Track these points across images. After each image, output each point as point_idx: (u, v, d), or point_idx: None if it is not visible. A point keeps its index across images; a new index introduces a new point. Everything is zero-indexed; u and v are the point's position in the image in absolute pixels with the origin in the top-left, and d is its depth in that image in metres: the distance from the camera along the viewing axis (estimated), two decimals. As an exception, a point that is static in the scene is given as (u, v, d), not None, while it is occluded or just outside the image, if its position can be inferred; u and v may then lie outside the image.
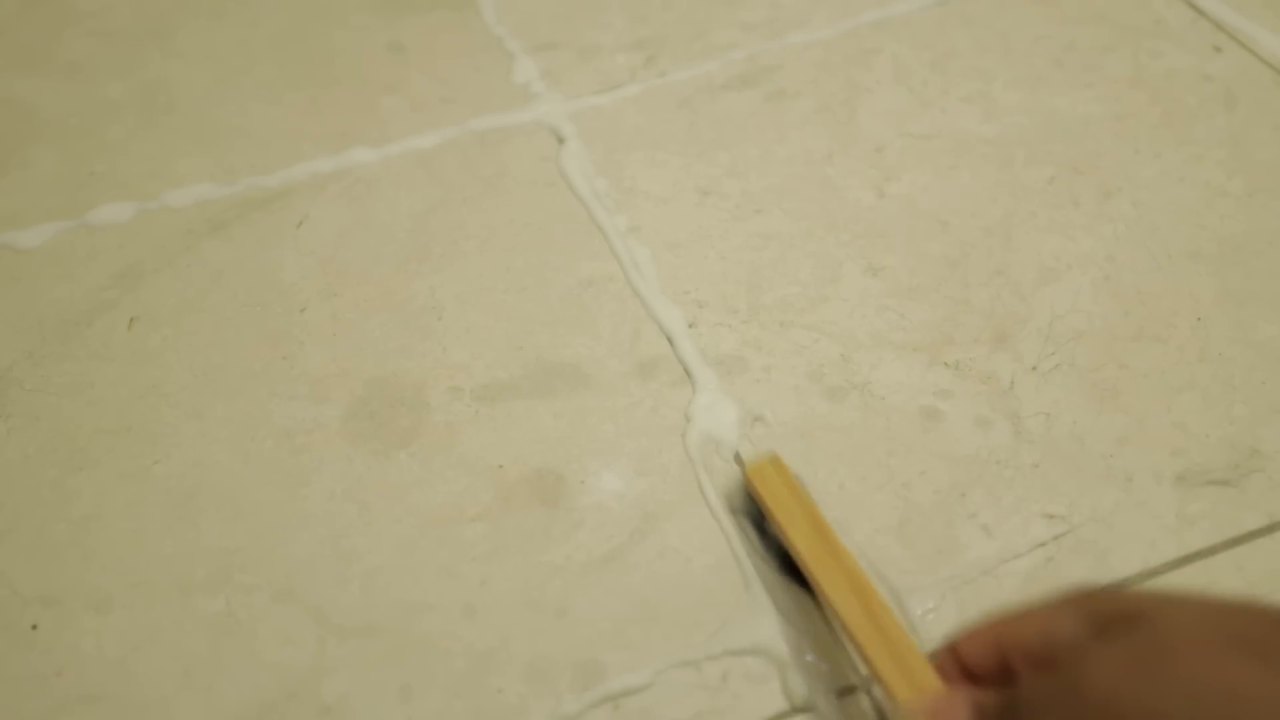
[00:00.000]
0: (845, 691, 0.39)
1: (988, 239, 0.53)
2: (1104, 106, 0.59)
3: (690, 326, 0.50)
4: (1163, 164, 0.56)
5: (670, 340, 0.49)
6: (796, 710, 0.38)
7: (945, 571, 0.42)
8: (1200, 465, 0.44)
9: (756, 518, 0.43)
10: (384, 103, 0.61)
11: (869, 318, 0.50)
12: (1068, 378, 0.47)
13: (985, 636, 0.33)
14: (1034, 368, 0.48)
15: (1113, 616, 0.29)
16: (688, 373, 0.48)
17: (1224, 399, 0.46)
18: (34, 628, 0.41)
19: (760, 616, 0.41)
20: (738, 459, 0.45)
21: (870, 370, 0.48)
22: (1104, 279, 0.51)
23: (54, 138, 0.60)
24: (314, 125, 0.60)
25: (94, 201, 0.57)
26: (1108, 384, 0.47)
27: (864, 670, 0.36)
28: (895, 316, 0.50)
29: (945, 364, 0.48)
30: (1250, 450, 0.45)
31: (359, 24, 0.66)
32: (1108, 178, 0.55)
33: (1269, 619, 0.28)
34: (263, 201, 0.56)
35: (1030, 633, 0.31)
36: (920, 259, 0.52)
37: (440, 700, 0.39)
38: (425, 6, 0.67)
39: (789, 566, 0.41)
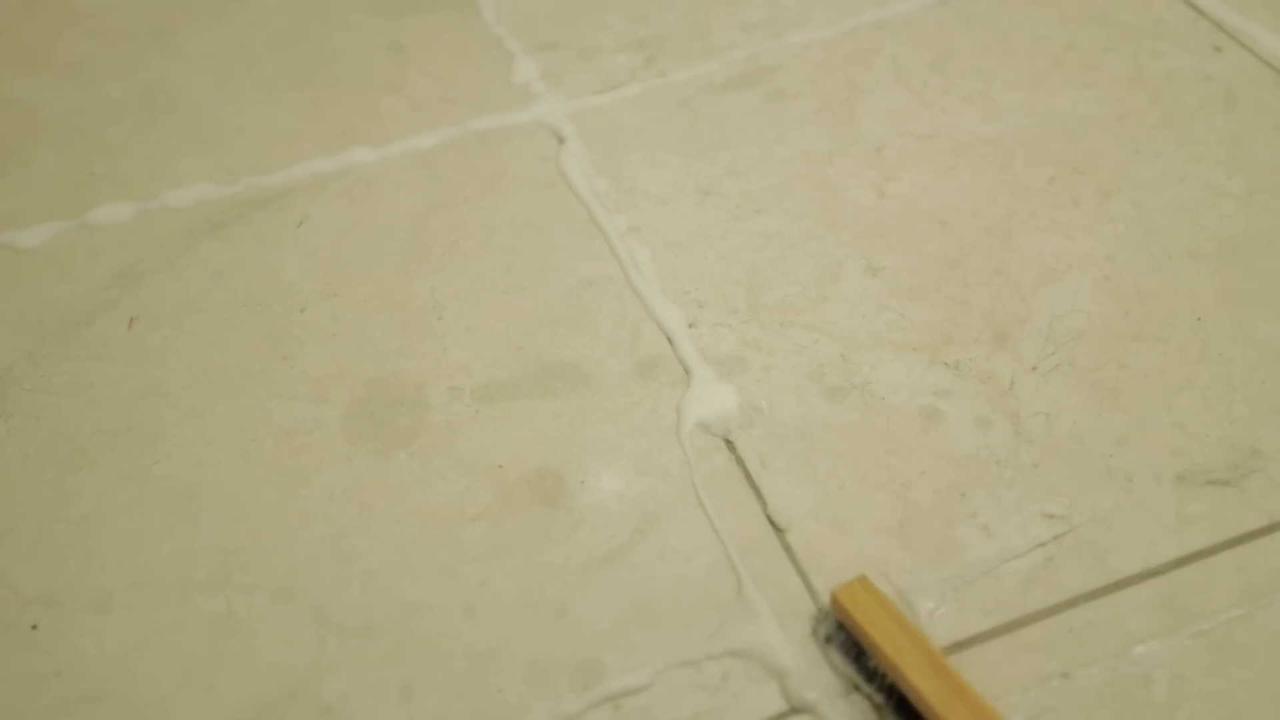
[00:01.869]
0: (846, 691, 0.39)
1: (988, 239, 0.53)
2: (1104, 106, 0.59)
3: (690, 326, 0.50)
4: (1163, 164, 0.56)
5: (670, 340, 0.49)
6: (796, 710, 0.38)
7: (946, 571, 0.42)
8: (1200, 465, 0.44)
9: (852, 653, 0.39)
10: (384, 103, 0.61)
11: (869, 318, 0.50)
12: (1068, 378, 0.47)
13: None
14: (1034, 368, 0.48)
15: None
16: (688, 372, 0.48)
17: (1224, 399, 0.46)
18: (34, 628, 0.41)
19: (758, 620, 0.41)
20: (833, 595, 0.39)
21: (870, 370, 0.48)
22: (1104, 279, 0.51)
23: (54, 138, 0.60)
24: (314, 125, 0.60)
25: (94, 201, 0.57)
26: (1108, 384, 0.47)
27: None
28: (895, 316, 0.50)
29: (945, 364, 0.48)
30: (1250, 450, 0.45)
31: (359, 24, 0.66)
32: (1108, 178, 0.55)
33: None
34: (263, 201, 0.56)
35: None
36: (920, 259, 0.52)
37: (440, 700, 0.39)
38: (425, 6, 0.67)
39: (904, 711, 0.37)
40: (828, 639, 0.39)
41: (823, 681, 0.39)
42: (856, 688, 0.38)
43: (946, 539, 0.43)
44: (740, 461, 0.45)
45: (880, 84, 0.61)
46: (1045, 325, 0.49)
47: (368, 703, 0.39)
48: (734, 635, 0.40)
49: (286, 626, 0.41)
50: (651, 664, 0.40)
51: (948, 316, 0.50)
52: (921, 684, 0.35)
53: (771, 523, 0.43)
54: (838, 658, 0.39)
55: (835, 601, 0.39)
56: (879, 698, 0.38)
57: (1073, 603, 0.41)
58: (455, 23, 0.66)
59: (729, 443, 0.46)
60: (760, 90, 0.61)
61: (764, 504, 0.44)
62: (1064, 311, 0.50)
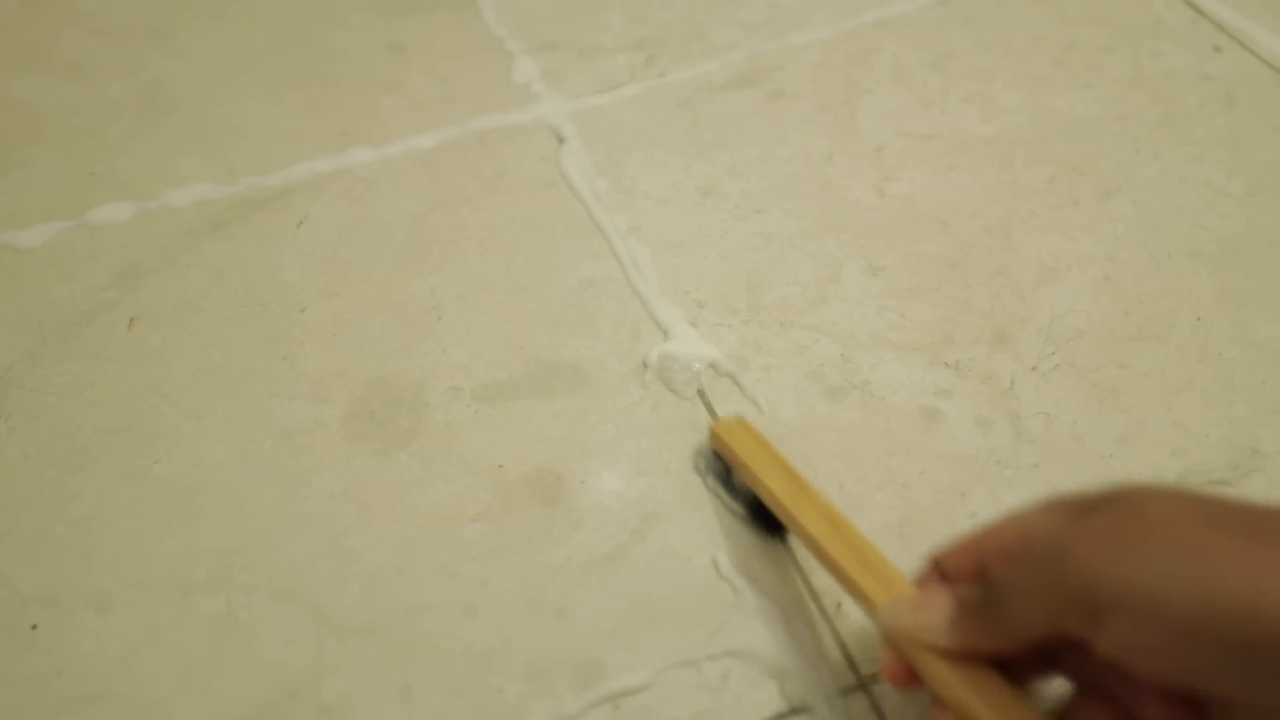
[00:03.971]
0: (846, 691, 0.39)
1: (988, 239, 0.53)
2: (1104, 106, 0.59)
3: (690, 326, 0.50)
4: (1163, 164, 0.56)
5: (670, 341, 0.49)
6: (796, 710, 0.38)
7: (945, 571, 0.42)
8: (1200, 465, 0.44)
9: (722, 475, 0.44)
10: (384, 103, 0.61)
11: (869, 318, 0.50)
12: (1068, 378, 0.47)
13: (965, 549, 0.34)
14: (1034, 368, 0.48)
15: (1089, 504, 0.30)
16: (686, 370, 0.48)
17: (1224, 399, 0.46)
18: (34, 628, 0.41)
19: (756, 621, 0.41)
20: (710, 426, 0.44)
21: (870, 370, 0.48)
22: (1104, 279, 0.51)
23: (54, 138, 0.60)
24: (314, 125, 0.60)
25: (94, 201, 0.57)
26: (1108, 384, 0.47)
27: (849, 596, 0.37)
28: (895, 316, 0.50)
29: (945, 364, 0.48)
30: (1250, 450, 0.45)
31: (359, 24, 0.66)
32: (1108, 178, 0.55)
33: (1245, 504, 0.28)
34: (263, 201, 0.56)
35: (1008, 535, 0.32)
36: (920, 259, 0.52)
37: (440, 700, 0.39)
38: (425, 6, 0.67)
39: (759, 518, 0.42)
40: (706, 468, 0.44)
41: (823, 682, 0.39)
42: (720, 499, 0.43)
43: (947, 539, 0.42)
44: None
45: (880, 84, 0.61)
46: (1045, 325, 0.49)
47: (368, 703, 0.39)
48: (734, 635, 0.40)
49: (286, 626, 0.41)
50: (651, 664, 0.40)
51: (948, 316, 0.50)
52: (775, 485, 0.40)
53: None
54: (710, 480, 0.44)
55: (712, 432, 0.44)
56: (739, 508, 0.43)
57: (1073, 603, 0.41)
58: (455, 23, 0.66)
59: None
60: (760, 90, 0.61)
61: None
62: (1064, 311, 0.50)
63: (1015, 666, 0.32)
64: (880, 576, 0.36)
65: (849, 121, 0.59)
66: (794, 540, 0.42)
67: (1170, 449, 0.45)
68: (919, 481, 0.44)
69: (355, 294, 0.52)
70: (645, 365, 0.48)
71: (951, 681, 0.31)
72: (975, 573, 0.33)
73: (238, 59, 0.64)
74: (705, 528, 0.43)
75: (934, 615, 0.32)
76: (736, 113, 0.60)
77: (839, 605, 0.41)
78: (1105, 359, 0.48)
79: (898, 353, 0.49)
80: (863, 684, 0.39)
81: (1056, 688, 0.34)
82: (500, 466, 0.45)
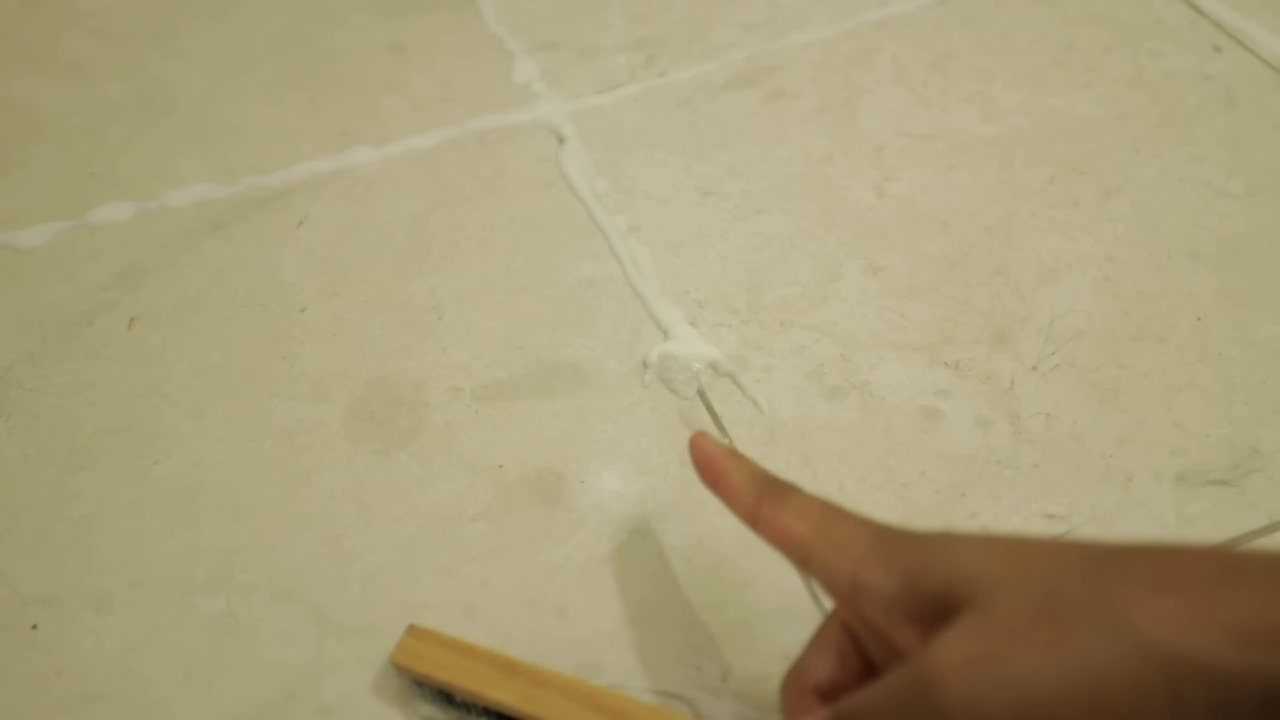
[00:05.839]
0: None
1: (988, 239, 0.53)
2: (1104, 106, 0.59)
3: (690, 326, 0.50)
4: (1163, 164, 0.56)
5: (670, 341, 0.49)
6: (796, 710, 0.38)
7: (945, 571, 0.42)
8: (1200, 465, 0.44)
9: (441, 700, 0.38)
10: (384, 103, 0.61)
11: (869, 318, 0.50)
12: (1068, 378, 0.47)
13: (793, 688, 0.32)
14: (1034, 368, 0.48)
15: (922, 595, 0.28)
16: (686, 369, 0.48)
17: (1224, 399, 0.46)
18: (34, 628, 0.41)
19: (758, 620, 0.41)
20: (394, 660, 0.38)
21: (870, 370, 0.48)
22: (1104, 279, 0.51)
23: (54, 138, 0.60)
24: (314, 125, 0.60)
25: (94, 201, 0.57)
26: (1108, 384, 0.47)
27: None
28: (895, 316, 0.50)
29: (945, 364, 0.48)
30: (1250, 450, 0.45)
31: (359, 24, 0.66)
32: (1108, 178, 0.55)
33: (1071, 566, 0.26)
34: (263, 201, 0.56)
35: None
36: (920, 259, 0.52)
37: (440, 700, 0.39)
38: (425, 6, 0.67)
39: None
40: (421, 698, 0.38)
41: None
42: None
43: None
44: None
45: (880, 84, 0.61)
46: (1045, 325, 0.49)
47: (368, 703, 0.39)
48: (734, 636, 0.40)
49: (286, 626, 0.41)
50: (651, 664, 0.40)
51: (948, 316, 0.50)
52: (502, 696, 0.36)
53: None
54: (430, 710, 0.38)
55: (397, 666, 0.38)
56: None
57: (1073, 603, 0.41)
58: (455, 23, 0.66)
59: (722, 428, 0.46)
60: (760, 90, 0.61)
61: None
62: (1064, 311, 0.50)
63: None
64: None
65: (849, 121, 0.59)
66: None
67: (1170, 449, 0.45)
68: (919, 481, 0.44)
69: (355, 294, 0.52)
70: (645, 365, 0.48)
71: None
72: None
73: (238, 59, 0.64)
74: (705, 528, 0.43)
75: None
76: (736, 113, 0.60)
77: (839, 605, 0.41)
78: (1105, 359, 0.48)
79: (898, 353, 0.49)
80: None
81: None
82: (500, 466, 0.45)
